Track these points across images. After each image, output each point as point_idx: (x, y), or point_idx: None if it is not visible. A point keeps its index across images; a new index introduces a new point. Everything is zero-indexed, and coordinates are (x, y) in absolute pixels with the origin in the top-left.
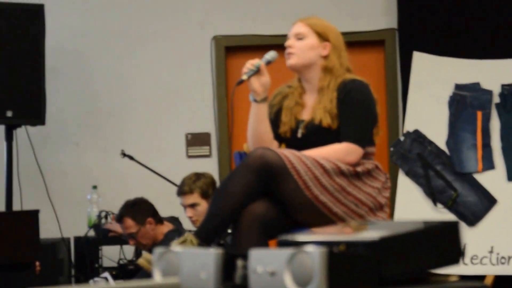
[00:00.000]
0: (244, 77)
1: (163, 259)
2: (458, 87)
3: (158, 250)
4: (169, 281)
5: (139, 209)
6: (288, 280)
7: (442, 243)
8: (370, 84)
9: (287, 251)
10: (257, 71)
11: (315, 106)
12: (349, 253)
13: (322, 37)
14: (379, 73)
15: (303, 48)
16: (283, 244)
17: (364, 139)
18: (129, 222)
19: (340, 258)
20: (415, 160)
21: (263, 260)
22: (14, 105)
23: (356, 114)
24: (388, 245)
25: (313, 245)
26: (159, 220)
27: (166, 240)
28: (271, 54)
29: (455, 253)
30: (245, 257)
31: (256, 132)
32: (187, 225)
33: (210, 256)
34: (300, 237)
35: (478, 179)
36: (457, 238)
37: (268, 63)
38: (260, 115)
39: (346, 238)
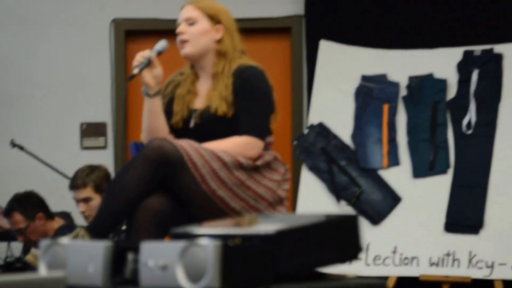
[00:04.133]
0: (135, 71)
1: (49, 252)
2: (364, 78)
3: (44, 242)
4: (54, 274)
5: (28, 203)
6: (180, 274)
7: (342, 237)
8: (273, 71)
9: (179, 244)
10: (148, 64)
11: (210, 94)
12: (245, 247)
13: (214, 19)
14: (285, 61)
15: (196, 34)
16: (176, 237)
17: (264, 131)
18: (17, 217)
19: (235, 252)
20: (319, 155)
21: (154, 253)
22: None
23: (255, 105)
24: (285, 238)
25: (207, 238)
26: (50, 215)
27: (57, 236)
28: (161, 44)
29: (355, 248)
30: (136, 250)
31: (151, 127)
32: (79, 221)
33: (99, 248)
34: (194, 229)
35: (383, 175)
36: (356, 232)
37: (159, 53)
38: (154, 109)
39: (241, 231)
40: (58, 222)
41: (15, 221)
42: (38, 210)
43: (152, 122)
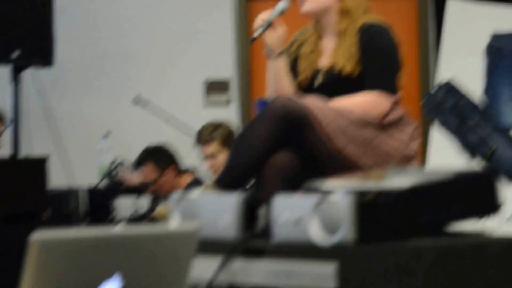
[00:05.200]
0: (256, 34)
1: (181, 205)
2: (495, 37)
3: (175, 194)
4: (187, 226)
5: (161, 155)
6: (313, 228)
7: (477, 193)
8: (399, 30)
9: (313, 198)
10: (269, 25)
11: (335, 53)
12: (379, 202)
13: None
14: (411, 20)
15: None
16: (309, 191)
17: (391, 87)
18: (150, 167)
19: (369, 207)
20: (448, 114)
21: (287, 207)
22: (21, 44)
23: (381, 62)
24: (420, 193)
25: (341, 192)
26: (180, 170)
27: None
28: (282, 4)
29: (492, 205)
30: (268, 204)
31: (276, 88)
32: (206, 178)
33: (232, 201)
34: (327, 184)
35: None
36: (492, 187)
37: (281, 13)
38: (278, 70)
39: (374, 186)
40: (187, 178)
41: (146, 172)
42: (170, 162)
43: (278, 83)
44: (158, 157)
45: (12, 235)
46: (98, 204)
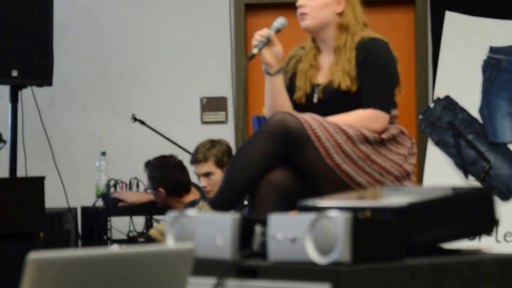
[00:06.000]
0: (255, 50)
1: (176, 224)
2: (493, 50)
3: (171, 214)
4: (183, 246)
5: (160, 174)
6: (309, 247)
7: (475, 210)
8: (397, 44)
9: (308, 217)
10: (267, 42)
11: (333, 68)
12: (376, 220)
13: None
14: (409, 34)
15: (316, 6)
16: (303, 209)
17: (388, 104)
18: (146, 179)
19: (366, 225)
20: (445, 129)
21: (283, 226)
22: (20, 64)
23: (379, 77)
24: (417, 211)
25: (336, 210)
26: (176, 192)
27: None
28: (279, 21)
29: (489, 221)
30: (264, 223)
31: (274, 105)
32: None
33: (227, 221)
34: (321, 202)
35: None
36: (490, 205)
37: (278, 31)
38: (276, 88)
39: (371, 204)
40: (193, 196)
41: (146, 179)
42: (161, 184)
43: (275, 100)
44: (154, 174)
45: (10, 254)
46: (94, 224)
